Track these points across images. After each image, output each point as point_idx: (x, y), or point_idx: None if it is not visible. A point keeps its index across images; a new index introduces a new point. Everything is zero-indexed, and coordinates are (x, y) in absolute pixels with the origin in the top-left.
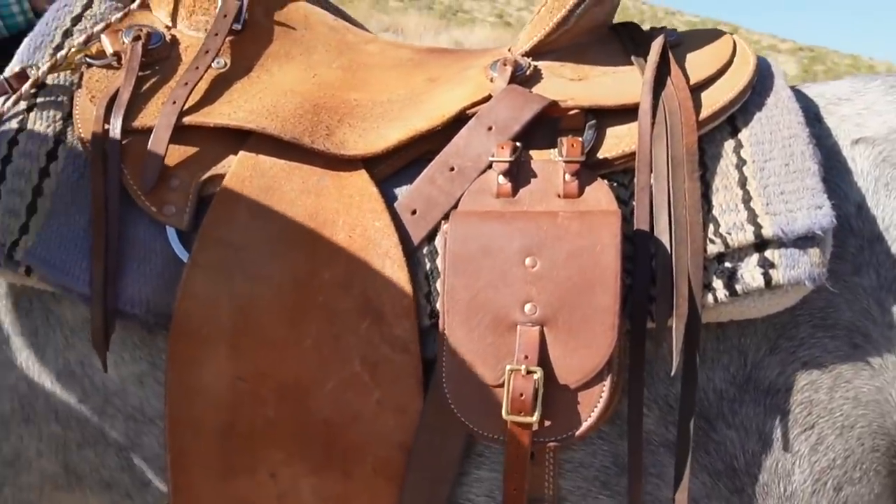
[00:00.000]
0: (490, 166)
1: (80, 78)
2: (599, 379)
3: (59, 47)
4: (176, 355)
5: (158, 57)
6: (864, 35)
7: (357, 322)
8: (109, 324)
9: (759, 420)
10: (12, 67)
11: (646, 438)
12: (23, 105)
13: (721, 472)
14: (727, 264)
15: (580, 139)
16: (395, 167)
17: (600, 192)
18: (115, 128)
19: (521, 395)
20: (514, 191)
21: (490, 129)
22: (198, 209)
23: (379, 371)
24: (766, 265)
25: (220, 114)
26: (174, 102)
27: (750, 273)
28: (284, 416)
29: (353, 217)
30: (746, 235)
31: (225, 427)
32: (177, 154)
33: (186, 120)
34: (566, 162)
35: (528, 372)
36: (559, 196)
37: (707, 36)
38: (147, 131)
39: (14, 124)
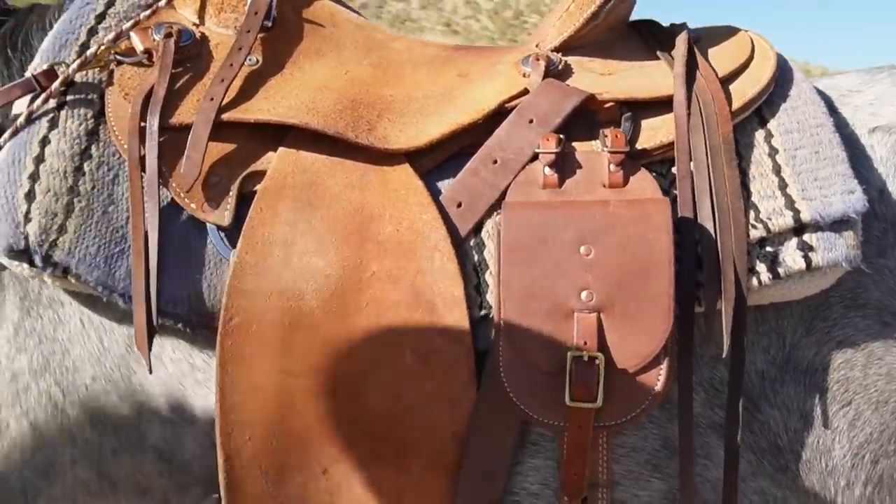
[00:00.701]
0: (534, 158)
1: (110, 75)
2: (656, 363)
3: (85, 45)
4: (226, 353)
5: (189, 54)
6: (793, 39)
7: (408, 314)
8: (153, 324)
9: (799, 399)
10: (39, 65)
11: (694, 421)
12: (52, 103)
13: (765, 451)
14: (769, 248)
15: (622, 131)
16: (436, 161)
17: (645, 182)
18: (153, 125)
19: (584, 381)
20: (561, 181)
21: (531, 121)
22: (238, 206)
23: (431, 362)
24: (806, 248)
25: (258, 110)
26: (212, 99)
27: (791, 256)
28: (336, 411)
29: (399, 210)
30: (786, 220)
31: (277, 424)
32: (215, 151)
33: (225, 116)
34: (611, 153)
35: (590, 358)
36: (605, 186)
37: (724, 32)
38: (184, 128)
39: (45, 123)
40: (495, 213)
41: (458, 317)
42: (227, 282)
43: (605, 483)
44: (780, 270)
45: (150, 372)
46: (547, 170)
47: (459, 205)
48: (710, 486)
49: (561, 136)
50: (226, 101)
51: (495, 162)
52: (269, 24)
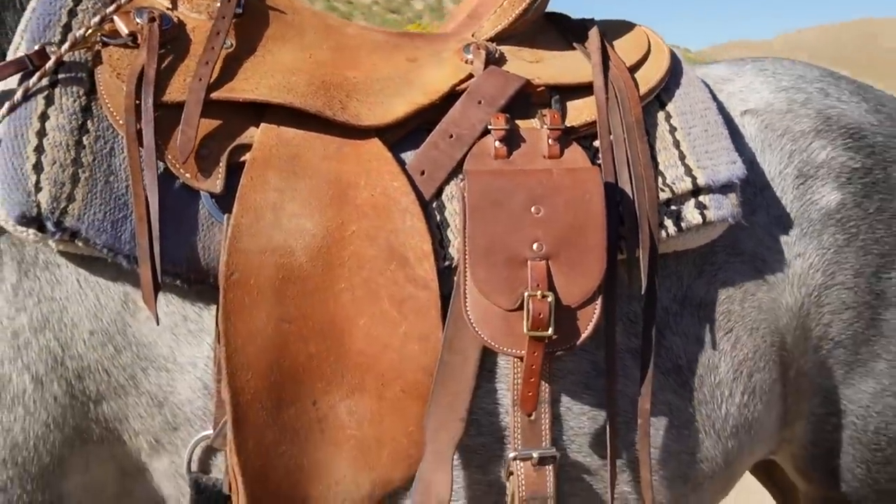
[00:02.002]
0: (484, 133)
1: (96, 56)
2: (594, 299)
3: (67, 26)
4: (228, 304)
5: (170, 37)
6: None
7: (384, 266)
8: (158, 281)
9: (694, 328)
10: (25, 44)
11: (616, 347)
12: (45, 81)
13: (669, 370)
14: (673, 207)
15: (558, 111)
16: (399, 136)
17: (577, 153)
18: (148, 103)
19: (540, 314)
20: (509, 153)
21: (480, 102)
22: (227, 175)
23: (405, 307)
24: (701, 207)
25: (243, 90)
26: (200, 79)
27: (691, 213)
28: (324, 351)
29: (373, 179)
30: (686, 185)
31: (273, 364)
32: (204, 126)
33: (213, 95)
34: (550, 129)
35: (543, 296)
36: (545, 157)
37: (623, 27)
38: (175, 105)
39: (41, 100)
40: (453, 180)
41: (427, 268)
42: (224, 242)
43: (547, 400)
44: (683, 224)
45: (158, 323)
46: (497, 143)
47: (423, 173)
48: (628, 399)
49: (508, 115)
50: (211, 81)
51: (451, 136)
52: (240, 10)
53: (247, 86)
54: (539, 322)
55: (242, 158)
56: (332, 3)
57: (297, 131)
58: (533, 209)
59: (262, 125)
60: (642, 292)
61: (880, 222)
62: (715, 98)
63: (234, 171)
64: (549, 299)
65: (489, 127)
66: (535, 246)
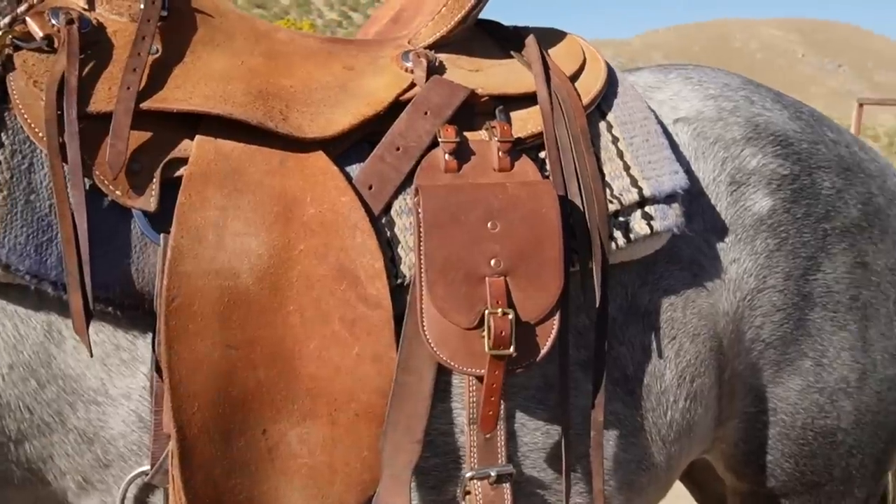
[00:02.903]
0: (433, 145)
1: (7, 61)
2: (552, 315)
3: None
4: (171, 332)
5: (90, 41)
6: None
7: (334, 286)
8: (89, 308)
9: (640, 336)
10: None
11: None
12: None
13: (618, 380)
14: (621, 219)
15: (506, 123)
16: (343, 148)
17: (527, 165)
18: (71, 114)
19: (502, 332)
20: (459, 166)
21: (426, 113)
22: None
23: (357, 327)
24: (648, 218)
25: (175, 99)
26: (128, 88)
27: (638, 224)
28: (274, 377)
29: (319, 194)
30: (633, 196)
31: (221, 393)
32: (134, 139)
33: (143, 105)
34: (500, 141)
35: (504, 313)
36: (495, 170)
37: (556, 35)
38: (100, 116)
39: None
40: (402, 194)
41: (379, 286)
42: (163, 265)
43: (502, 417)
44: (631, 236)
45: (91, 355)
46: (447, 156)
47: (370, 187)
48: (578, 412)
49: (456, 127)
50: (140, 89)
51: (398, 149)
52: (165, 13)
53: (180, 95)
54: (501, 340)
55: (178, 173)
56: None
57: (236, 144)
58: (489, 224)
59: (198, 137)
60: (595, 305)
61: (807, 227)
62: (648, 107)
63: (169, 188)
64: (510, 316)
65: (439, 139)
66: (492, 262)
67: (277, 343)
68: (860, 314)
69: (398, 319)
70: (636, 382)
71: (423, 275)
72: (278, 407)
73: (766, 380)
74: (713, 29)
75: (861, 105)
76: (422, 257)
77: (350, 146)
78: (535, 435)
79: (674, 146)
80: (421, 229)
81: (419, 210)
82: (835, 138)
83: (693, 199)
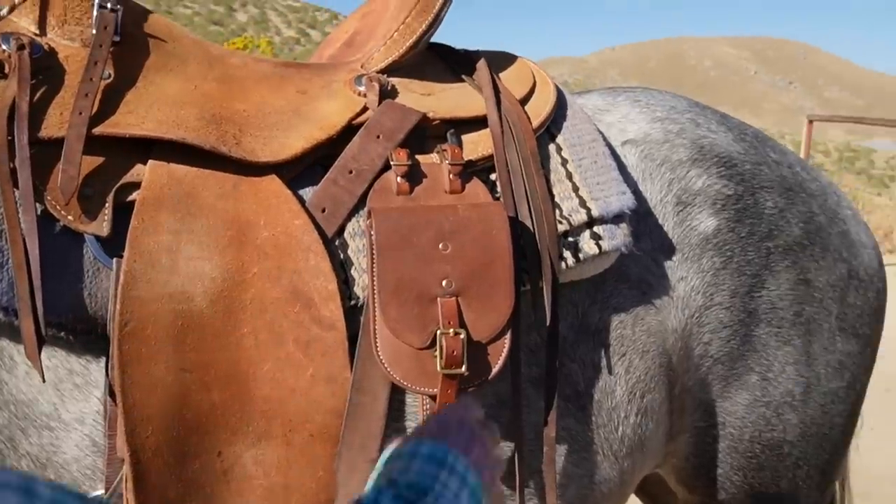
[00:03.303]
0: (385, 168)
1: None
2: (503, 334)
3: None
4: (124, 356)
5: (41, 66)
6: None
7: (288, 308)
8: (41, 334)
9: (591, 354)
10: None
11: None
12: None
13: (569, 396)
14: (571, 239)
15: (457, 146)
16: (296, 172)
17: (478, 188)
18: (22, 140)
19: (454, 351)
20: (411, 189)
21: (378, 137)
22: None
23: (311, 349)
24: (596, 237)
25: (128, 124)
26: (80, 113)
27: (587, 244)
28: (228, 399)
29: (273, 217)
30: (582, 217)
31: (175, 416)
32: (86, 164)
33: (96, 131)
34: (451, 164)
35: (456, 333)
36: (446, 192)
37: (506, 58)
38: (52, 142)
39: None
40: (355, 217)
41: (332, 308)
42: (115, 289)
43: None
44: (581, 255)
45: (44, 380)
46: (399, 179)
47: (324, 210)
48: (531, 428)
49: (408, 150)
50: (92, 114)
51: (351, 172)
52: (117, 38)
53: (132, 119)
54: (453, 360)
55: (130, 198)
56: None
57: (189, 168)
58: (441, 246)
59: (151, 162)
60: (546, 324)
61: (751, 245)
62: (596, 129)
63: (122, 213)
64: (462, 336)
65: (391, 163)
66: (444, 283)
67: (232, 365)
68: (804, 329)
69: (352, 340)
70: (588, 399)
71: (376, 296)
72: (233, 429)
73: (715, 395)
74: (668, 47)
75: (811, 122)
76: (375, 279)
77: (303, 169)
78: None
79: (622, 168)
80: (374, 251)
81: (372, 232)
82: (777, 159)
83: (641, 219)
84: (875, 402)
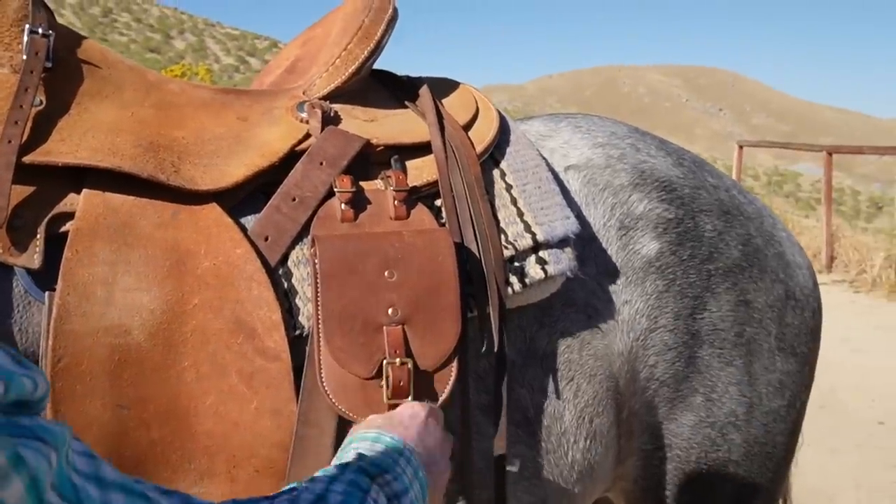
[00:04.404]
0: (329, 195)
1: None
2: (449, 362)
3: None
4: (57, 394)
5: None
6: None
7: (231, 339)
8: None
9: (539, 379)
10: None
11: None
12: None
13: (519, 422)
14: (517, 264)
15: (401, 172)
16: (237, 199)
17: (423, 214)
18: None
19: (400, 381)
20: (356, 216)
21: (322, 163)
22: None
23: (255, 381)
24: (542, 262)
25: (60, 152)
26: (10, 141)
27: (533, 269)
28: (168, 436)
29: (214, 246)
30: (527, 241)
31: (113, 455)
32: (16, 194)
33: (26, 159)
34: (395, 191)
35: (402, 363)
36: (391, 218)
37: (448, 85)
38: None
39: None
40: (298, 245)
41: (277, 339)
42: (48, 324)
43: None
44: (527, 280)
45: None
46: (343, 206)
47: (267, 238)
48: (480, 455)
49: (352, 177)
50: (22, 142)
51: (294, 199)
52: (49, 64)
53: (64, 147)
54: (399, 390)
55: (64, 229)
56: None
57: (125, 197)
58: (386, 273)
59: (85, 191)
60: (493, 349)
61: (692, 268)
62: (539, 154)
63: (55, 244)
64: (409, 365)
65: (335, 189)
66: (390, 311)
67: (172, 400)
68: (745, 350)
69: (297, 371)
70: (537, 424)
71: (320, 325)
72: (174, 467)
73: (661, 417)
74: (603, 74)
75: (741, 147)
76: (319, 308)
77: (245, 197)
78: None
79: (565, 192)
80: (318, 280)
81: (316, 261)
82: (715, 183)
83: (585, 243)
84: (809, 419)
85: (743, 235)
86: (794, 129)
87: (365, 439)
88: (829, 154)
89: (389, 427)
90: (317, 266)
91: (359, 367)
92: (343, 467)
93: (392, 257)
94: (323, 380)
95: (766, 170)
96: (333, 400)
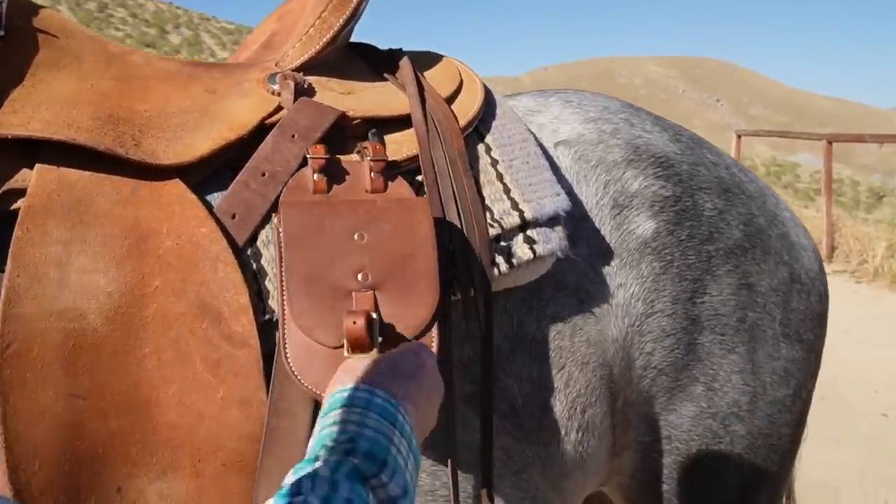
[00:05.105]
0: (301, 166)
1: None
2: (428, 330)
3: None
4: (5, 383)
5: None
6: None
7: (195, 324)
8: None
9: (527, 367)
10: None
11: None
12: None
13: (506, 413)
14: (503, 243)
15: (379, 143)
16: (203, 175)
17: (402, 187)
18: None
19: (358, 331)
20: (329, 186)
21: (293, 136)
22: None
23: (221, 368)
24: (530, 242)
25: (11, 125)
26: None
27: (521, 249)
28: (127, 427)
29: (176, 225)
30: (514, 219)
31: (66, 448)
32: None
33: None
34: (373, 161)
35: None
36: (368, 191)
37: (431, 58)
38: None
39: None
40: (269, 223)
41: (244, 323)
42: None
43: None
44: (514, 261)
45: None
46: (316, 176)
47: (234, 216)
48: (464, 447)
49: (326, 146)
50: None
51: (264, 174)
52: (2, 33)
53: (16, 119)
54: (361, 349)
55: (15, 206)
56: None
57: (81, 173)
58: (356, 236)
59: (38, 166)
60: (479, 334)
61: (691, 248)
62: (529, 129)
63: (5, 222)
64: (374, 317)
65: (307, 156)
66: (360, 276)
67: (131, 389)
68: (748, 336)
69: (268, 359)
70: (525, 415)
71: (284, 291)
72: (134, 461)
73: (660, 407)
74: (599, 66)
75: (739, 136)
76: (282, 272)
77: (211, 173)
78: (421, 476)
79: (555, 169)
80: (281, 244)
81: (280, 229)
82: (714, 160)
83: (577, 223)
84: (811, 411)
85: (745, 215)
86: (791, 120)
87: (355, 404)
88: (829, 143)
89: (376, 376)
90: (279, 233)
91: (324, 334)
92: (335, 466)
93: (363, 220)
94: (287, 353)
95: (764, 161)
96: (298, 375)
